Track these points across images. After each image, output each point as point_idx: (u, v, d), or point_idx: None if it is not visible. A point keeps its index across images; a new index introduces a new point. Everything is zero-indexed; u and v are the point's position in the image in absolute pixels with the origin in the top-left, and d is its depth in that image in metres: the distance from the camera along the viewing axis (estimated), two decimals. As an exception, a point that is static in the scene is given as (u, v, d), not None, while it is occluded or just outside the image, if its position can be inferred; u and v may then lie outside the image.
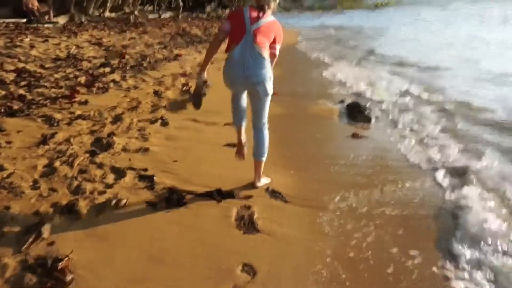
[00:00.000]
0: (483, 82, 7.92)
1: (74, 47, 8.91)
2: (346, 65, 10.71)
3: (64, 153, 3.45)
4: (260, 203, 2.90)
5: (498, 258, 2.36)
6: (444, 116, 5.49)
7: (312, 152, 4.10)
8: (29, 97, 4.95)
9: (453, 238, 2.55)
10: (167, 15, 23.48)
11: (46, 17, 12.58)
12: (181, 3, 24.49)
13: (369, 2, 35.15)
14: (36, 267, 2.06)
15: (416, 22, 29.57)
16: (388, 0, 33.81)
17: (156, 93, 5.98)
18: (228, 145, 4.02)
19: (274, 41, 2.82)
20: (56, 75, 6.27)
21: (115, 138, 3.85)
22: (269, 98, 2.91)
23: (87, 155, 3.45)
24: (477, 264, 2.31)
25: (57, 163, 3.22)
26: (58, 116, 4.40)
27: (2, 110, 4.34)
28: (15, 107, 4.50)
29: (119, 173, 3.17)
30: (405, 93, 6.98)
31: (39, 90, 5.36)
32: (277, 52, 2.86)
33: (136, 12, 18.38)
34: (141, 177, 3.13)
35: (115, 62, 7.95)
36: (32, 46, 8.41)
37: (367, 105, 5.67)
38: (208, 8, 32.12)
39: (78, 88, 5.65)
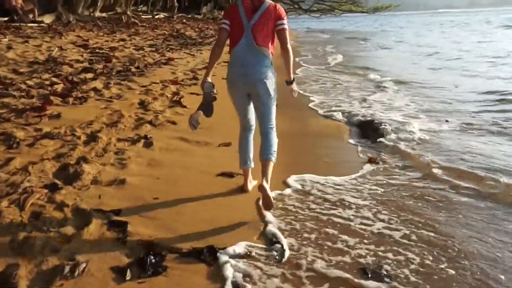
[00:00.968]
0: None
1: (56, 49, 8.19)
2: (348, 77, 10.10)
3: (17, 187, 2.75)
4: (264, 264, 2.22)
5: None
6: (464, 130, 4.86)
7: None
8: (-10, 109, 4.25)
9: None
10: (161, 15, 22.75)
11: (31, 16, 11.84)
12: (176, 4, 23.78)
13: (369, 5, 34.56)
14: None
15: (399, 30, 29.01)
16: (389, 4, 33.26)
17: (142, 104, 5.29)
18: (223, 174, 3.34)
19: (278, 18, 2.72)
20: (29, 82, 5.56)
21: (85, 166, 3.16)
22: (273, 101, 2.83)
23: (46, 190, 2.75)
24: None
25: (3, 203, 2.52)
26: (20, 134, 3.70)
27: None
28: (-30, 122, 3.80)
29: (83, 218, 2.48)
30: (419, 110, 6.34)
31: (5, 100, 4.66)
32: (286, 26, 2.75)
33: (128, 12, 17.65)
34: (111, 224, 2.44)
35: (99, 66, 7.24)
36: (9, 48, 7.70)
37: (381, 122, 5.03)
38: (204, 9, 31.44)
39: (52, 98, 4.95)
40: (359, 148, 4.27)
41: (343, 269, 2.15)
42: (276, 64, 2.86)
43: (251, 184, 3.09)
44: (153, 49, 10.74)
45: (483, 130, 4.96)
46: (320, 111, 6.11)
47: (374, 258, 2.26)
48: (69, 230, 2.34)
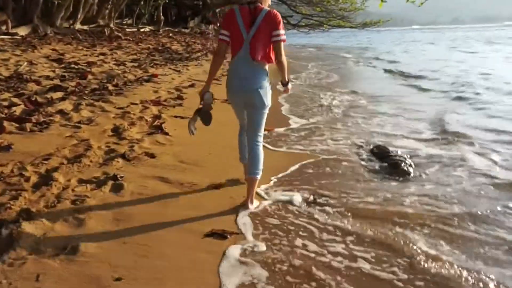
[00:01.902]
0: None
1: (25, 63, 7.34)
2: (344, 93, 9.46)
3: None
4: None
5: None
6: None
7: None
8: None
9: None
10: (147, 29, 22.02)
11: (4, 27, 10.96)
12: (162, 17, 23.10)
13: (357, 20, 34.47)
14: None
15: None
16: (378, 19, 33.21)
17: (115, 130, 4.48)
18: (214, 234, 2.54)
19: (274, 29, 2.74)
20: (-18, 103, 4.71)
21: (25, 226, 2.34)
22: (266, 111, 2.92)
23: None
24: None
25: None
26: None
27: None
28: None
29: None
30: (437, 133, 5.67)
31: None
32: (283, 37, 2.77)
33: (112, 25, 16.86)
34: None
35: (72, 84, 6.42)
36: (-30, 62, 6.82)
37: (399, 153, 4.32)
38: (191, 23, 30.83)
39: (5, 123, 4.11)
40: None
41: None
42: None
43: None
44: (136, 64, 9.95)
45: None
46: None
47: None
48: None
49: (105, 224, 2.53)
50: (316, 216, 2.90)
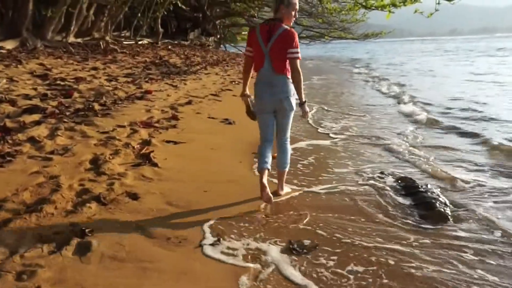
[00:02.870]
0: None
1: (4, 80, 6.68)
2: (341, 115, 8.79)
3: None
4: None
5: None
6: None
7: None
8: None
9: None
10: (145, 41, 21.49)
11: (-10, 41, 10.34)
12: (161, 29, 22.59)
13: (359, 32, 34.07)
14: None
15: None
16: (379, 31, 32.77)
17: (95, 162, 3.78)
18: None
19: (290, 46, 3.01)
20: None
21: None
22: (292, 114, 3.26)
23: None
24: None
25: None
26: None
27: None
28: None
29: None
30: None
31: None
32: (298, 55, 3.04)
33: (107, 38, 16.31)
34: None
35: (53, 104, 5.74)
36: None
37: (429, 187, 3.61)
38: (191, 35, 30.41)
39: (-40, 156, 3.41)
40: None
41: None
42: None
43: (267, 189, 3.15)
44: (130, 79, 9.30)
45: None
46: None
47: None
48: None
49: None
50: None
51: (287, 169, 3.43)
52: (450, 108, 8.62)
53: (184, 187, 3.45)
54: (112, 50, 14.65)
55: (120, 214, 2.85)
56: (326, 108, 8.82)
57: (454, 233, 2.87)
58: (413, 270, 2.35)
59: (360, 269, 2.36)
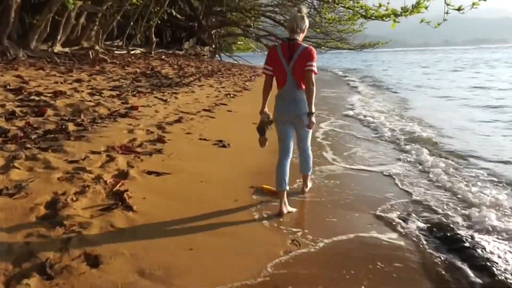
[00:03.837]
0: None
1: (-32, 96, 5.90)
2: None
3: None
4: None
5: None
6: None
7: None
8: None
9: None
10: (138, 51, 20.78)
11: (-34, 51, 9.56)
12: (154, 39, 21.89)
13: (355, 42, 33.64)
14: None
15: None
16: (377, 41, 32.36)
17: (52, 205, 3.01)
18: None
19: (308, 60, 3.24)
20: None
21: None
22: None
23: None
24: None
25: None
26: None
27: None
28: None
29: None
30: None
31: None
32: (314, 69, 3.25)
33: (97, 47, 15.57)
34: None
35: (19, 124, 4.97)
36: None
37: (477, 240, 2.86)
38: (186, 45, 29.74)
39: None
40: None
41: None
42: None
43: (286, 208, 3.38)
44: (116, 92, 8.55)
45: None
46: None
47: None
48: None
49: None
50: None
51: (310, 173, 3.88)
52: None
53: (163, 244, 2.68)
54: (101, 60, 13.92)
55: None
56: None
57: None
58: None
59: None
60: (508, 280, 2.40)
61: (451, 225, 3.14)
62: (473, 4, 8.90)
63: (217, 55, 33.96)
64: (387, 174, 4.73)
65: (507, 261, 2.62)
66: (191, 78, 13.71)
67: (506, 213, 3.54)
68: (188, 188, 3.74)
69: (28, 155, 3.96)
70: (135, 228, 2.86)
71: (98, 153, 4.35)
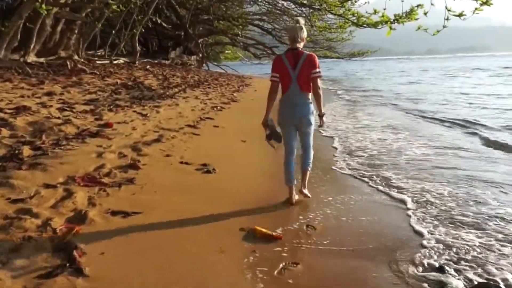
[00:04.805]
0: None
1: None
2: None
3: None
4: None
5: None
6: None
7: None
8: None
9: None
10: (121, 61, 19.92)
11: None
12: (138, 48, 21.06)
13: (344, 51, 33.35)
14: None
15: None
16: (366, 49, 32.09)
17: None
18: None
19: (313, 68, 3.68)
20: None
21: None
22: (312, 128, 3.87)
23: None
24: None
25: None
26: None
27: None
28: None
29: None
30: None
31: None
32: (320, 74, 3.70)
33: (76, 57, 14.72)
34: None
35: (-38, 150, 4.14)
36: None
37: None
38: (172, 54, 28.98)
39: None
40: None
41: None
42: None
43: (295, 198, 3.92)
44: (91, 106, 7.75)
45: None
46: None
47: None
48: None
49: None
50: None
51: (309, 169, 4.00)
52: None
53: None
54: (79, 71, 13.05)
55: None
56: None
57: None
58: None
59: None
60: None
61: (498, 286, 2.43)
62: (476, 9, 8.39)
63: (204, 65, 33.29)
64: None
65: None
66: (176, 89, 12.95)
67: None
68: (161, 236, 2.96)
69: (-40, 193, 3.15)
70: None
71: (53, 186, 3.55)
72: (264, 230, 3.09)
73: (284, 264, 2.68)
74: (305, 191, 4.04)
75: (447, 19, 8.93)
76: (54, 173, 3.89)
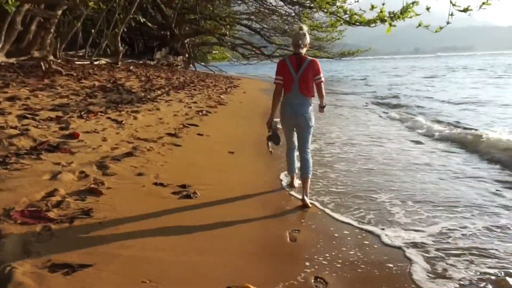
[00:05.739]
0: None
1: None
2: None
3: None
4: None
5: None
6: None
7: None
8: None
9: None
10: (103, 61, 18.91)
11: None
12: (121, 48, 20.05)
13: (334, 50, 32.73)
14: None
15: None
16: (356, 49, 31.48)
17: None
18: None
19: (316, 74, 3.94)
20: None
21: None
22: (311, 130, 4.07)
23: None
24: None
25: None
26: None
27: None
28: None
29: None
30: None
31: None
32: (322, 79, 3.98)
33: (51, 57, 13.70)
34: None
35: None
36: None
37: None
38: (157, 55, 28.01)
39: None
40: None
41: None
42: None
43: (297, 182, 4.38)
44: (58, 113, 6.85)
45: None
46: None
47: None
48: None
49: None
50: None
51: (310, 176, 4.03)
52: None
53: None
54: (54, 72, 12.06)
55: None
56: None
57: None
58: None
59: None
60: None
61: None
62: (483, 3, 7.78)
63: (191, 65, 32.36)
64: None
65: None
66: (159, 92, 12.07)
67: None
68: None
69: None
70: None
71: (-22, 228, 2.69)
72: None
73: None
74: (306, 199, 3.89)
75: (451, 14, 8.28)
76: (-13, 204, 3.03)
